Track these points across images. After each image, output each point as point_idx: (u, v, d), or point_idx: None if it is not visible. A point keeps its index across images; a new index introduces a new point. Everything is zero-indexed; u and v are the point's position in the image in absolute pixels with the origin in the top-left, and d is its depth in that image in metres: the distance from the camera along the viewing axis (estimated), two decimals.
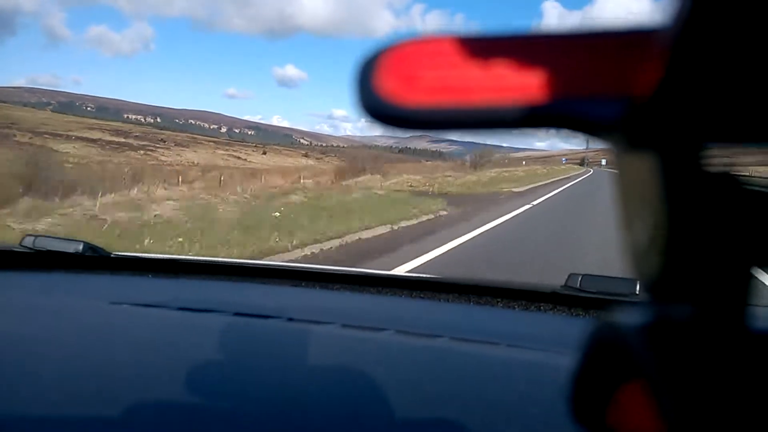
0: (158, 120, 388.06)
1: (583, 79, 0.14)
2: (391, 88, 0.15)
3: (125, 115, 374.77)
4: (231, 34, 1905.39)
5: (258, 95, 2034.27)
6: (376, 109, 0.15)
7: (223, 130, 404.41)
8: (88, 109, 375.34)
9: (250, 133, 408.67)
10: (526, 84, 0.14)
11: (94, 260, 1.11)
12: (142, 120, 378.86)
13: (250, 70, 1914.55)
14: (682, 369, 0.12)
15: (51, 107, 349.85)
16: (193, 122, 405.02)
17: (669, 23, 0.12)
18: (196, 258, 1.30)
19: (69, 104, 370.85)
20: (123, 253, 1.19)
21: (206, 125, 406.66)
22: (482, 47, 0.15)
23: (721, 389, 0.12)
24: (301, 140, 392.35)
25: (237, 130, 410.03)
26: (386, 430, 0.53)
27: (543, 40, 0.15)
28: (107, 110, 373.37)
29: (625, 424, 0.15)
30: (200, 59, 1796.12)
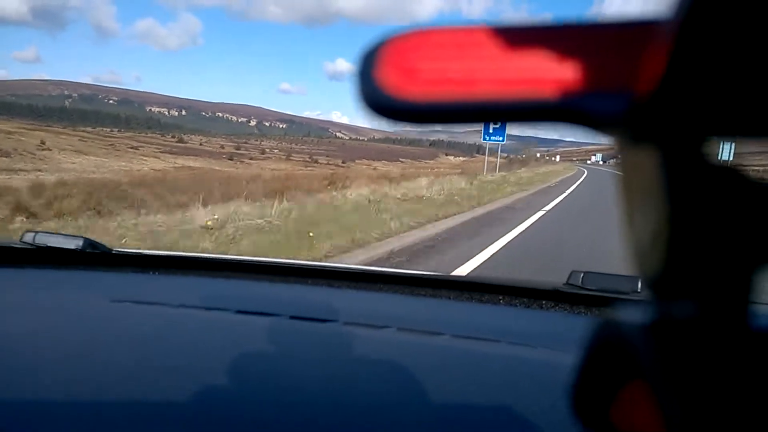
0: (183, 113, 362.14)
1: (586, 72, 0.14)
2: (392, 80, 0.15)
3: (148, 108, 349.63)
4: (269, 24, 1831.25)
5: (311, 90, 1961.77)
6: (376, 102, 0.15)
7: (253, 123, 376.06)
8: (110, 102, 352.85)
9: (281, 126, 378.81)
10: (528, 77, 0.14)
11: (96, 257, 1.09)
12: (166, 113, 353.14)
13: (301, 65, 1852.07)
14: (684, 367, 0.13)
15: (70, 100, 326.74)
16: (220, 115, 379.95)
17: (671, 15, 0.12)
18: (198, 255, 1.28)
19: (90, 97, 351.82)
20: (124, 250, 1.19)
21: (234, 118, 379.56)
22: (483, 39, 0.15)
23: (723, 388, 0.12)
24: (338, 134, 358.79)
25: (267, 124, 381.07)
26: (387, 427, 0.54)
27: (546, 32, 0.15)
28: (131, 103, 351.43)
29: (627, 422, 0.15)
30: (248, 52, 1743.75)
